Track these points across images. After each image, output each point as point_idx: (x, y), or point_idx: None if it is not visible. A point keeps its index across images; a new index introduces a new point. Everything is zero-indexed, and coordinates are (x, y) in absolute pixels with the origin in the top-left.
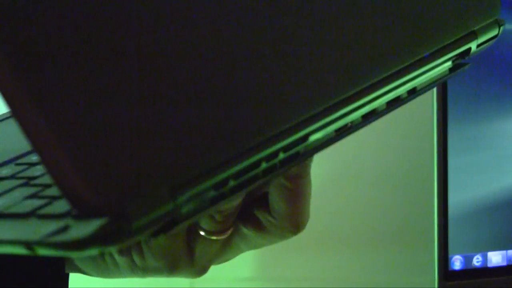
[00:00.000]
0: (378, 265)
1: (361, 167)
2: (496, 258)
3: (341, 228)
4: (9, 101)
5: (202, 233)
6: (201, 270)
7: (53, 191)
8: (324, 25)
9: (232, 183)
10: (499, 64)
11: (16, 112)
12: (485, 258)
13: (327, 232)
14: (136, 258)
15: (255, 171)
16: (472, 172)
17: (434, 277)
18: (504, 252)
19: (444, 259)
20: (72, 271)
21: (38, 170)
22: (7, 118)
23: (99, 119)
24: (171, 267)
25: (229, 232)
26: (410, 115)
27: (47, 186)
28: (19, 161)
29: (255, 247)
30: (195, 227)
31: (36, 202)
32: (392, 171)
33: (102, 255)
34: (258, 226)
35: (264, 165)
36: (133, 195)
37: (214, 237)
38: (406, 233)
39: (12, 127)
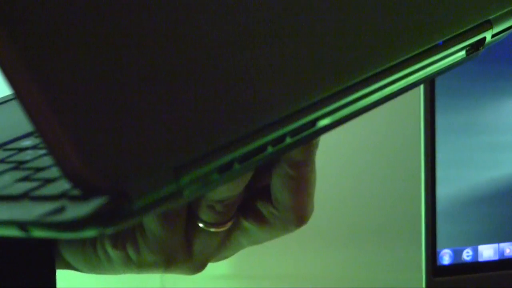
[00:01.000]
0: (363, 261)
1: (344, 160)
2: (487, 252)
3: (324, 223)
4: (12, 82)
5: (201, 225)
6: (199, 266)
7: (46, 174)
8: (337, 7)
9: (237, 166)
10: (488, 50)
11: (18, 92)
12: (475, 252)
13: (309, 228)
14: (131, 252)
15: (261, 155)
16: (461, 162)
17: (422, 272)
18: (496, 245)
19: (432, 253)
20: (61, 268)
21: (28, 155)
22: None
23: (101, 97)
24: (168, 262)
25: (229, 224)
26: (395, 104)
27: (39, 169)
28: (7, 146)
29: (256, 241)
30: (194, 219)
31: (28, 185)
32: (377, 162)
33: (94, 248)
34: (260, 219)
35: (270, 149)
36: (134, 174)
37: (213, 229)
38: (392, 227)
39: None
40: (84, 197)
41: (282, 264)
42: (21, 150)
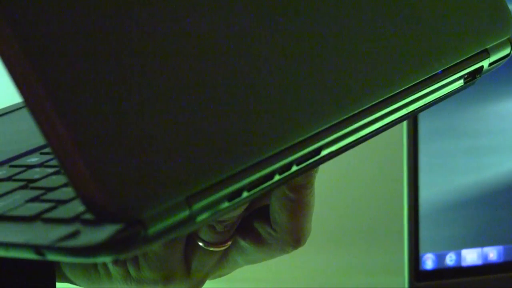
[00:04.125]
0: (346, 265)
1: (326, 163)
2: (470, 256)
3: None
4: (32, 110)
5: (200, 244)
6: (197, 284)
7: (56, 194)
8: (338, 41)
9: (245, 194)
10: None
11: (38, 120)
12: (459, 256)
13: None
14: (131, 269)
15: (268, 183)
16: (444, 165)
17: (404, 277)
18: (479, 249)
19: (415, 258)
20: (61, 281)
21: (37, 173)
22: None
23: (119, 127)
24: (167, 279)
25: (228, 244)
26: None
27: (49, 189)
28: (14, 162)
29: (252, 261)
30: (194, 238)
31: (40, 206)
32: (360, 165)
33: (95, 264)
34: (257, 239)
35: (277, 177)
36: (149, 202)
37: (212, 248)
38: (374, 231)
39: (4, 127)
40: (98, 221)
41: (263, 267)
42: (29, 167)
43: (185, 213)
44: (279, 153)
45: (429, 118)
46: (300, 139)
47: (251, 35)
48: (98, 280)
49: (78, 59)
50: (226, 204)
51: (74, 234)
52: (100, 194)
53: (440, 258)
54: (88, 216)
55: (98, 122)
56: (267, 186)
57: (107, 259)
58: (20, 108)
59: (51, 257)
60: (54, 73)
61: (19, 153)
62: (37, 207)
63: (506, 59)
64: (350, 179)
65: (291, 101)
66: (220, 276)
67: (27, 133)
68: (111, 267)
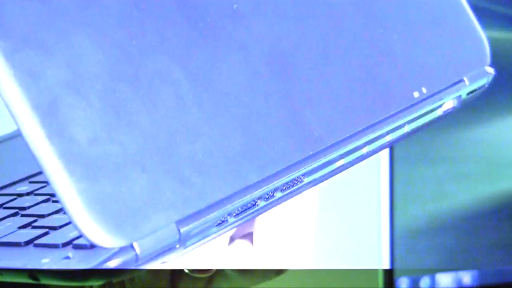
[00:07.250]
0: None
1: None
2: (445, 280)
3: None
4: (30, 143)
5: (186, 270)
6: None
7: (47, 221)
8: (321, 71)
9: (231, 220)
10: None
11: (35, 150)
12: (433, 280)
13: None
14: None
15: (253, 209)
16: (420, 187)
17: None
18: (453, 274)
19: (389, 282)
20: None
21: (27, 201)
22: None
23: (109, 156)
24: None
25: (213, 270)
26: None
27: (40, 216)
28: (4, 191)
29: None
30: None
31: (33, 232)
32: (333, 185)
33: None
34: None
35: (262, 203)
36: (140, 227)
37: (197, 275)
38: (348, 254)
39: None
40: (90, 246)
41: None
42: (19, 195)
43: (175, 238)
44: (263, 180)
45: (404, 145)
46: (282, 167)
47: (212, 74)
48: None
49: (71, 89)
50: (214, 229)
51: (67, 259)
52: (94, 220)
53: (414, 282)
54: (79, 241)
55: (92, 156)
56: (252, 212)
57: (99, 283)
58: (7, 139)
59: (45, 280)
60: (49, 105)
61: (8, 183)
62: (29, 233)
63: (484, 88)
64: (325, 204)
65: (272, 132)
66: None
67: (16, 163)
68: None
